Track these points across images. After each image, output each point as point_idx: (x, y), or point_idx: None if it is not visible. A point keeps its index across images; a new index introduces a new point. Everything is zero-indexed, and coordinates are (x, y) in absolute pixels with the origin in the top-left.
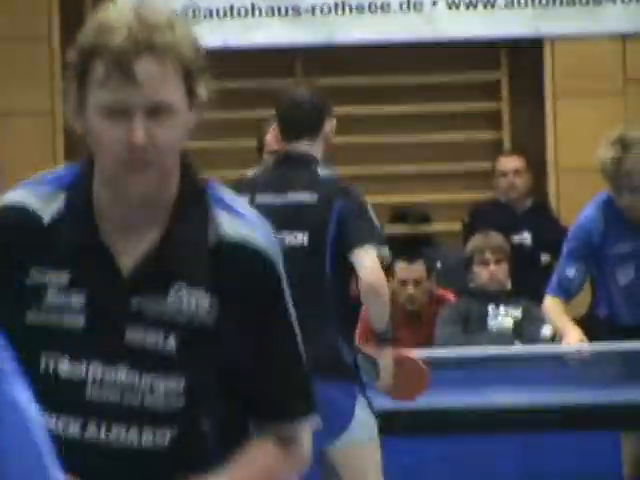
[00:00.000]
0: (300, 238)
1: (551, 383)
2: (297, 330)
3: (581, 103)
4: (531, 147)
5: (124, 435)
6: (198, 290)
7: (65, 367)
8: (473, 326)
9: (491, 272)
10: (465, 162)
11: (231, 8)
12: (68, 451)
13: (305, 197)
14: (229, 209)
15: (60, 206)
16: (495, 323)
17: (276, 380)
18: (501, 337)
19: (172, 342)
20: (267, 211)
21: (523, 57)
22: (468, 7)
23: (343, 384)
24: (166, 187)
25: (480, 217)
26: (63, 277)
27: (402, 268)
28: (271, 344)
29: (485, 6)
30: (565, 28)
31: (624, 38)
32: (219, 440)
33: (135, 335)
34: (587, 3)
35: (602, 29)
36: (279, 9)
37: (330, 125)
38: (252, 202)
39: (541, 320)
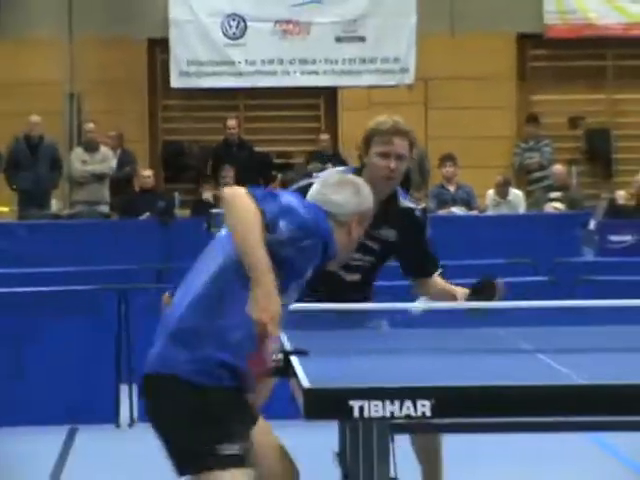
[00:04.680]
0: None
1: None
2: None
3: (356, 114)
4: (332, 141)
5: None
6: None
7: None
8: None
9: None
10: None
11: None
12: None
13: None
14: None
15: None
16: None
17: None
18: None
19: None
20: None
21: (330, 97)
22: (309, 74)
23: None
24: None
25: None
26: None
27: None
28: None
29: (312, 74)
30: (350, 82)
31: (370, 88)
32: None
33: None
34: (359, 73)
35: (362, 84)
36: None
37: None
38: None
39: None
